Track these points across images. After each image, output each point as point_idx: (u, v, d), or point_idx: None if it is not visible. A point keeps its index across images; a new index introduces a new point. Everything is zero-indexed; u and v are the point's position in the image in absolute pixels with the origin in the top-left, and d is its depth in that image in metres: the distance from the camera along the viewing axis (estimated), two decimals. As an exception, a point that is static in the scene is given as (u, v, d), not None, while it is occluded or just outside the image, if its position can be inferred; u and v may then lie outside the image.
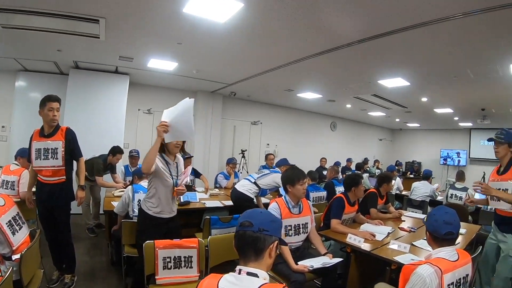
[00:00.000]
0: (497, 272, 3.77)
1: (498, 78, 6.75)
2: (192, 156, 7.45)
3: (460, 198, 7.18)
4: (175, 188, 3.53)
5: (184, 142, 3.58)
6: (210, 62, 6.90)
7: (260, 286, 1.61)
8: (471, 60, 5.92)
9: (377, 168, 13.78)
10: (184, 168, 3.77)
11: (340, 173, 9.52)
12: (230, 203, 5.71)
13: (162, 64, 7.05)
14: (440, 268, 2.22)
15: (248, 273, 1.68)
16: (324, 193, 6.84)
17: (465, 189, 7.29)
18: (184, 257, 3.23)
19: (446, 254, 2.38)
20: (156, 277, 3.13)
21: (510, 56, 5.54)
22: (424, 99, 9.82)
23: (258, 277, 1.67)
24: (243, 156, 9.88)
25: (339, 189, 6.86)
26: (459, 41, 5.00)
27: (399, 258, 3.39)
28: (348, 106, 11.88)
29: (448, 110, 11.68)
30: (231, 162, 7.76)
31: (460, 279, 2.37)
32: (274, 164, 7.03)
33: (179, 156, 3.74)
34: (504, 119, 11.93)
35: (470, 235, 4.69)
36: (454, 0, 3.71)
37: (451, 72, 6.73)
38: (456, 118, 13.69)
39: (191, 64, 7.09)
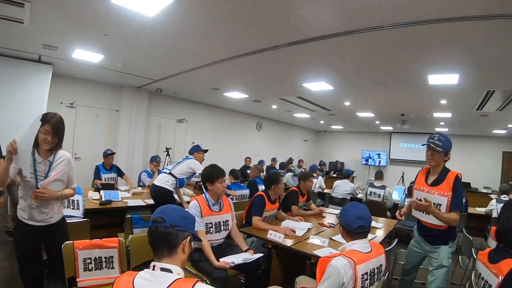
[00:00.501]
0: (429, 282, 3.57)
1: (416, 86, 7.32)
2: (115, 153, 7.27)
3: (379, 195, 7.60)
4: (36, 190, 2.91)
5: (58, 139, 2.98)
6: (137, 57, 6.73)
7: (174, 281, 1.63)
8: (391, 69, 6.37)
9: (301, 167, 14.11)
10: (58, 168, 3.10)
11: (264, 172, 9.66)
12: (152, 201, 5.59)
13: (87, 55, 6.68)
14: (353, 260, 2.37)
15: (162, 269, 1.70)
16: (247, 191, 6.93)
17: (383, 187, 7.73)
18: (105, 257, 3.12)
19: (359, 246, 2.53)
20: (77, 279, 2.97)
21: (427, 67, 6.02)
22: (347, 103, 10.31)
23: (171, 272, 1.69)
24: (168, 154, 9.69)
25: (262, 188, 7.00)
26: (381, 51, 5.37)
27: (318, 252, 3.54)
28: (274, 107, 12.10)
29: (370, 115, 12.43)
30: (154, 160, 7.68)
31: (374, 269, 2.52)
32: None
33: (62, 154, 3.13)
34: (422, 124, 12.83)
35: (388, 228, 5.04)
36: (381, 13, 3.98)
37: (372, 79, 7.16)
38: (377, 122, 14.56)
39: (117, 57, 6.85)
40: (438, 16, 3.97)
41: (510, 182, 12.12)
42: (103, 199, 5.22)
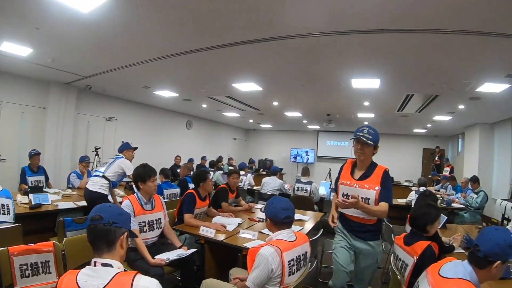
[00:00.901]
0: (361, 277, 3.54)
1: (341, 89, 7.82)
2: (40, 153, 6.98)
3: (306, 190, 7.98)
4: None
5: None
6: (67, 52, 6.45)
7: (115, 274, 1.73)
8: (317, 73, 6.80)
9: (231, 165, 14.32)
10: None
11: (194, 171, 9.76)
12: (84, 203, 5.47)
13: (15, 48, 6.26)
14: (279, 248, 2.63)
15: (103, 264, 1.78)
16: (177, 190, 6.99)
17: (309, 183, 8.12)
18: (41, 262, 3.01)
19: (285, 235, 2.81)
20: (15, 287, 2.86)
21: (351, 72, 6.54)
22: (275, 103, 10.67)
23: (112, 267, 1.79)
24: (97, 154, 9.39)
25: (193, 186, 7.12)
26: (308, 56, 5.74)
27: (248, 245, 3.73)
28: (204, 106, 12.20)
29: (298, 114, 12.97)
30: (84, 160, 7.43)
31: (299, 256, 2.82)
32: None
33: None
34: (346, 124, 13.53)
35: (315, 220, 5.37)
36: (307, 22, 4.33)
37: (299, 82, 7.55)
38: (305, 121, 15.20)
39: (47, 51, 6.48)
40: (357, 28, 4.41)
41: (429, 176, 13.31)
42: (33, 203, 4.99)
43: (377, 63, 5.94)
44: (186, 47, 5.70)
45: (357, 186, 3.33)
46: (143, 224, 3.85)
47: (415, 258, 2.83)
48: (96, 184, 5.38)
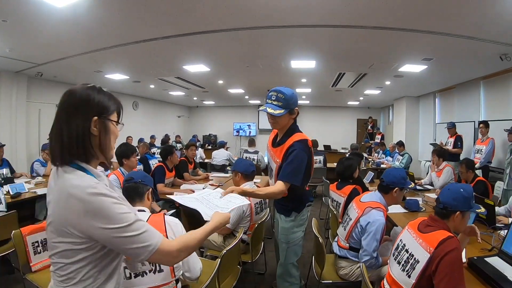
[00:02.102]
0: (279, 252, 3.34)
1: (281, 69, 8.69)
2: (4, 145, 6.64)
3: (253, 159, 8.76)
4: None
5: None
6: (27, 42, 6.37)
7: (150, 216, 2.30)
8: (261, 56, 7.60)
9: (178, 142, 14.98)
10: None
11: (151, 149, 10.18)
12: None
13: None
14: None
15: (139, 210, 2.37)
16: (141, 166, 7.28)
17: (256, 152, 8.97)
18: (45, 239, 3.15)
19: (250, 185, 3.86)
20: (30, 264, 3.05)
21: (291, 55, 7.45)
22: (220, 82, 11.37)
23: (145, 211, 2.40)
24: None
25: (153, 162, 7.68)
26: (254, 43, 6.54)
27: None
28: (152, 86, 12.43)
29: (240, 91, 13.70)
30: (46, 148, 7.01)
31: (261, 200, 3.93)
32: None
33: None
34: (283, 97, 14.32)
35: (265, 183, 6.16)
36: (255, 16, 5.04)
37: (245, 63, 8.29)
38: (246, 97, 16.02)
39: (7, 42, 6.41)
40: (293, 23, 5.32)
41: (362, 143, 14.86)
42: (11, 193, 4.95)
43: (314, 48, 6.89)
44: (144, 36, 6.09)
45: (272, 154, 3.09)
46: None
47: (344, 198, 4.10)
48: None
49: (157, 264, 2.12)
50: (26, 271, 3.08)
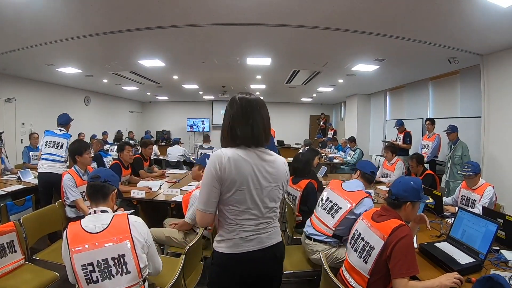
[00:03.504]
0: None
1: (237, 65, 8.75)
2: None
3: (208, 155, 8.72)
4: None
5: None
6: None
7: (113, 216, 2.24)
8: (217, 52, 7.62)
9: (131, 139, 14.60)
10: None
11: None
12: (12, 188, 5.40)
13: None
14: None
15: (102, 211, 2.29)
16: (94, 164, 7.11)
17: (211, 148, 9.05)
18: (6, 243, 3.06)
19: None
20: None
21: (247, 53, 7.56)
22: (175, 77, 11.25)
23: (108, 212, 2.31)
24: (0, 139, 8.59)
25: (107, 159, 7.55)
26: (212, 40, 6.56)
27: (175, 199, 4.71)
28: (105, 81, 12.08)
29: (195, 86, 13.63)
30: None
31: None
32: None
33: None
34: (240, 94, 14.44)
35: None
36: (216, 12, 5.03)
37: (201, 59, 8.27)
38: (200, 92, 15.99)
39: None
40: (251, 21, 5.37)
41: (315, 138, 15.17)
42: None
43: (270, 46, 6.98)
44: (99, 29, 5.88)
45: None
46: (84, 193, 4.22)
47: (301, 191, 4.27)
48: (53, 166, 5.41)
49: (124, 266, 2.11)
50: None
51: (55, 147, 5.58)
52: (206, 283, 2.15)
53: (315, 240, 3.39)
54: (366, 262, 2.36)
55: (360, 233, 2.55)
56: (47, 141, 5.61)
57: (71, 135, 5.91)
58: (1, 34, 6.12)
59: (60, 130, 5.84)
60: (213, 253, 2.10)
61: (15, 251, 3.15)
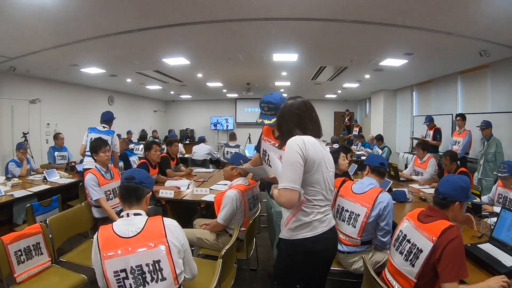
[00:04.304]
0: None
1: (263, 62, 8.65)
2: None
3: (240, 154, 8.63)
4: None
5: None
6: (0, 35, 5.99)
7: (147, 219, 2.11)
8: (243, 49, 7.50)
9: (156, 138, 14.83)
10: None
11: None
12: (38, 189, 5.39)
13: None
14: (240, 190, 3.60)
15: (135, 214, 2.15)
16: (121, 163, 7.26)
17: (237, 146, 9.01)
18: (33, 245, 3.07)
19: (242, 181, 3.83)
20: (14, 275, 2.87)
21: (273, 49, 7.39)
22: (199, 75, 11.20)
23: (142, 215, 2.17)
24: (26, 140, 8.57)
25: (132, 158, 7.59)
26: (237, 36, 6.40)
27: (205, 198, 4.60)
28: (129, 80, 12.13)
29: (219, 84, 13.58)
30: (21, 147, 6.95)
31: (254, 196, 3.88)
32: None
33: None
34: (264, 91, 14.28)
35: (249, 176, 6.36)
36: (237, 5, 4.89)
37: (226, 56, 8.18)
38: (224, 90, 15.91)
39: None
40: (277, 16, 5.22)
41: (340, 135, 14.85)
42: None
43: (297, 42, 6.82)
44: (123, 28, 5.83)
45: (276, 145, 2.97)
46: (108, 192, 4.29)
47: (336, 189, 3.91)
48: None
49: (159, 272, 2.00)
50: (10, 283, 2.89)
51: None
52: (237, 284, 2.10)
53: (348, 253, 3.27)
54: (413, 266, 2.25)
55: (405, 235, 2.43)
56: (91, 138, 5.72)
57: (114, 131, 6.15)
58: (24, 35, 6.12)
59: (104, 127, 6.17)
60: (283, 244, 2.31)
61: (42, 253, 3.15)
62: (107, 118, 6.32)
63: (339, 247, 3.25)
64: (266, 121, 3.00)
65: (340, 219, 3.35)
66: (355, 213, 3.20)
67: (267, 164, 3.20)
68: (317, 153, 2.15)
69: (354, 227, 3.18)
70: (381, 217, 3.08)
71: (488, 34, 5.75)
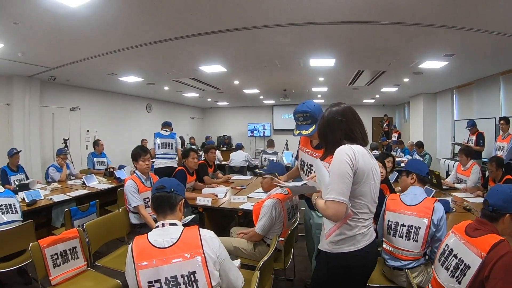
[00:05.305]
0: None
1: (300, 68, 8.59)
2: (20, 151, 6.61)
3: (272, 160, 8.72)
4: None
5: None
6: (40, 45, 6.16)
7: (183, 230, 2.08)
8: (279, 55, 7.44)
9: (193, 144, 15.00)
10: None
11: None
12: (76, 193, 5.57)
13: None
14: (279, 199, 3.50)
15: (170, 224, 2.12)
16: None
17: (275, 153, 8.97)
18: (69, 249, 3.18)
19: (281, 190, 3.63)
20: (50, 277, 2.98)
21: (310, 54, 7.32)
22: (236, 82, 11.23)
23: (177, 225, 2.14)
24: (66, 146, 9.09)
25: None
26: (274, 41, 6.34)
27: (242, 206, 4.55)
28: (166, 88, 12.29)
29: (256, 91, 13.58)
30: (61, 153, 7.24)
31: (293, 206, 3.79)
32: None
33: None
34: (300, 97, 14.32)
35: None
36: (273, 11, 4.86)
37: (262, 62, 8.17)
38: (261, 97, 15.96)
39: (19, 46, 6.13)
40: (321, 20, 5.15)
41: (379, 141, 14.56)
42: (27, 200, 4.86)
43: (334, 46, 6.73)
44: (161, 37, 5.91)
45: (312, 155, 3.19)
46: (147, 199, 4.27)
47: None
48: (169, 162, 7.37)
49: (194, 284, 1.96)
50: (46, 285, 2.99)
51: (167, 147, 7.32)
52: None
53: (407, 269, 3.03)
54: (459, 283, 2.08)
55: (452, 249, 2.25)
56: (159, 143, 7.42)
57: (176, 133, 7.65)
58: (63, 46, 6.28)
59: (166, 131, 7.61)
60: (323, 256, 2.26)
61: (78, 257, 3.26)
62: (167, 124, 7.79)
63: (394, 262, 3.11)
64: (304, 132, 3.04)
65: (396, 235, 3.11)
66: (415, 227, 3.00)
67: (305, 174, 3.25)
68: (365, 163, 2.08)
69: (416, 241, 2.98)
70: (437, 227, 2.95)
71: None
